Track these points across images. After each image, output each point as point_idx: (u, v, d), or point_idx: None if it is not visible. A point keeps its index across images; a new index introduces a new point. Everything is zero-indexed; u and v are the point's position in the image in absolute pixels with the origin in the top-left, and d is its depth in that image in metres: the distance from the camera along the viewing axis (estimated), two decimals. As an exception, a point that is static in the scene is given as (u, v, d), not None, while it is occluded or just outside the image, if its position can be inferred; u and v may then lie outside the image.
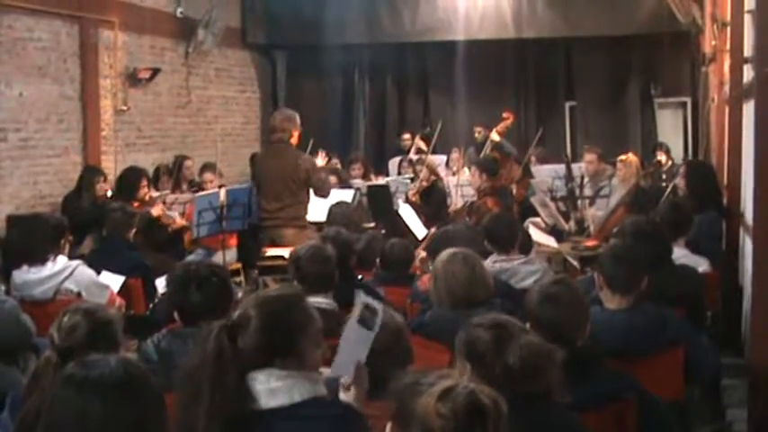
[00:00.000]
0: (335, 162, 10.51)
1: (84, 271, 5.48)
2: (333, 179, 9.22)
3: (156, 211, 7.80)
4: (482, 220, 6.64)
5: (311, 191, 7.32)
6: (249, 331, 2.57)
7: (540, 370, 2.57)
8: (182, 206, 8.23)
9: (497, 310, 3.63)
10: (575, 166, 8.49)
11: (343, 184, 9.08)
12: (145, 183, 8.11)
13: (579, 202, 8.00)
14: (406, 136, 11.80)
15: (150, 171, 9.06)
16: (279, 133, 7.25)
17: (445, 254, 4.14)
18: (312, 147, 9.65)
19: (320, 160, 7.44)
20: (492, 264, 5.21)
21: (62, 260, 5.46)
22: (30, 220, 6.66)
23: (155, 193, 8.30)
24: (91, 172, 8.30)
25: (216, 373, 2.47)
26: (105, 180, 8.25)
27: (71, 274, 5.39)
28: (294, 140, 7.32)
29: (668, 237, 4.90)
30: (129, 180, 8.13)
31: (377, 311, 2.71)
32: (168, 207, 8.14)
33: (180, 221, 8.07)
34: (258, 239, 7.47)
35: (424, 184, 9.43)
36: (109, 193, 8.07)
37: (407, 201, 8.97)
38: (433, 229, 7.55)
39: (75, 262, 5.53)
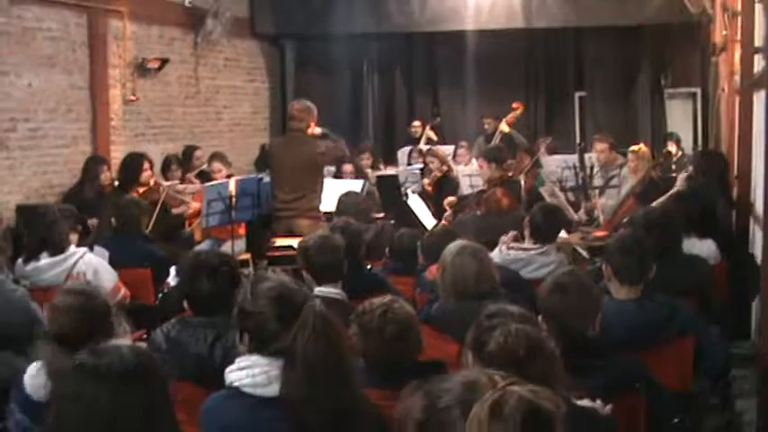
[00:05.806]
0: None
1: (92, 257, 5.54)
2: (349, 168, 9.23)
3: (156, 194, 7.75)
4: (491, 210, 6.64)
5: (324, 180, 7.44)
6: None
7: (527, 357, 2.48)
8: (190, 196, 8.24)
9: (503, 301, 3.62)
10: (585, 156, 8.46)
11: (358, 173, 9.10)
12: (147, 166, 8.08)
13: (589, 191, 7.98)
14: (416, 123, 11.75)
15: (159, 161, 9.05)
16: (297, 122, 7.34)
17: (454, 246, 4.12)
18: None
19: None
20: (507, 251, 5.19)
21: (70, 248, 5.51)
22: (31, 214, 6.64)
23: (165, 183, 8.30)
24: (94, 162, 8.26)
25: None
26: (109, 168, 8.25)
27: (81, 258, 5.45)
28: (310, 131, 7.39)
29: (680, 228, 4.88)
30: (132, 166, 8.09)
31: None
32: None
33: (192, 204, 8.06)
34: (271, 229, 7.48)
35: (437, 174, 9.43)
36: (116, 183, 8.08)
37: (423, 193, 8.97)
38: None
39: (83, 249, 5.57)
